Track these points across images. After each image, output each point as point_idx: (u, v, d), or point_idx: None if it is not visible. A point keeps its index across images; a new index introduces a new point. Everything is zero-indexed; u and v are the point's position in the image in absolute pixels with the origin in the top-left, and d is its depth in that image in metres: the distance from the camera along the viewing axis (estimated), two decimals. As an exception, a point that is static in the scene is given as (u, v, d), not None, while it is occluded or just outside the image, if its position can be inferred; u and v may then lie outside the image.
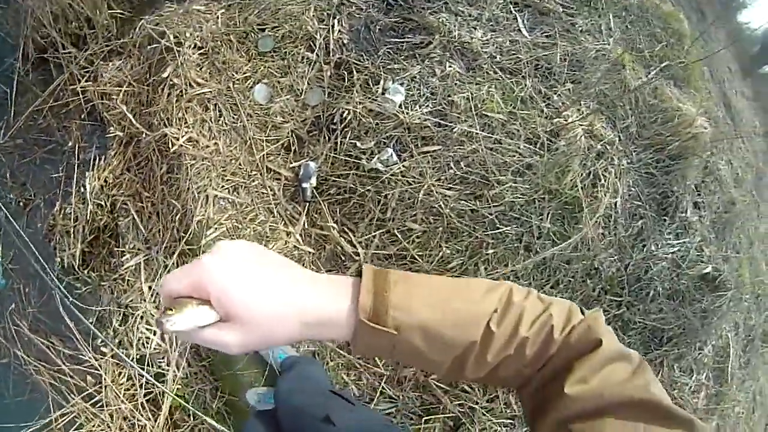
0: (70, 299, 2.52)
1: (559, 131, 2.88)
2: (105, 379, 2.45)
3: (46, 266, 2.67)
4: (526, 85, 2.87)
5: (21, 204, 3.14)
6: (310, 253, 2.51)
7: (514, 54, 2.92)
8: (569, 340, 0.56)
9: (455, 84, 2.67)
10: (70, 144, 3.21)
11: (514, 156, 2.69)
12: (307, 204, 2.54)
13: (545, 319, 0.56)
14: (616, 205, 2.97)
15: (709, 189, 3.56)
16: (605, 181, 2.91)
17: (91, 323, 2.59)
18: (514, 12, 3.09)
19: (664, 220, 3.16)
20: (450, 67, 2.70)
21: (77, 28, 3.31)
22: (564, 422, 0.53)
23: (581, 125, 2.94)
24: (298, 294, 0.55)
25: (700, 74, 4.30)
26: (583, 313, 0.60)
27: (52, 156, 3.24)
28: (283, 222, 2.53)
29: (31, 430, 2.29)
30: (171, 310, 0.54)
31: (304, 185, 2.52)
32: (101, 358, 2.52)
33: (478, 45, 2.81)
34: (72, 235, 2.88)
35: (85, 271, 2.88)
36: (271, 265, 0.57)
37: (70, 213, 2.92)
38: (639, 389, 0.52)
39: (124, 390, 2.47)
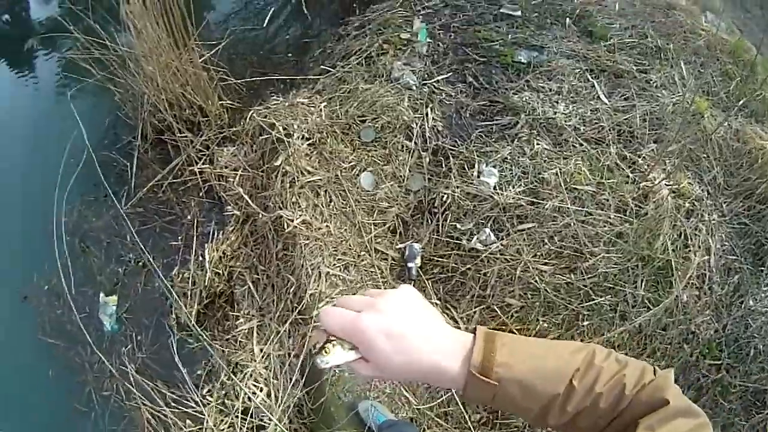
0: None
1: (646, 195, 2.96)
2: (207, 420, 2.65)
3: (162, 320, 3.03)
4: (610, 153, 2.98)
5: (140, 264, 3.42)
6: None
7: (596, 123, 3.04)
8: (639, 397, 0.65)
9: (544, 161, 2.82)
10: (188, 217, 3.52)
11: (605, 226, 2.79)
12: (413, 282, 2.74)
13: (619, 377, 0.66)
14: (709, 263, 2.98)
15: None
16: (696, 240, 2.94)
17: (200, 374, 2.89)
18: (591, 80, 3.22)
19: (761, 271, 3.10)
20: (538, 144, 2.85)
21: (191, 114, 3.67)
22: None
23: (667, 185, 3.00)
24: (427, 351, 0.67)
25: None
26: (655, 372, 0.69)
27: (171, 226, 3.53)
28: (389, 299, 2.74)
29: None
30: (326, 352, 0.66)
31: (410, 265, 2.73)
32: (207, 405, 2.71)
33: (561, 119, 2.95)
34: (189, 297, 3.15)
35: (198, 331, 3.09)
36: (414, 322, 0.69)
37: (188, 278, 3.18)
38: None
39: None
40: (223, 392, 2.76)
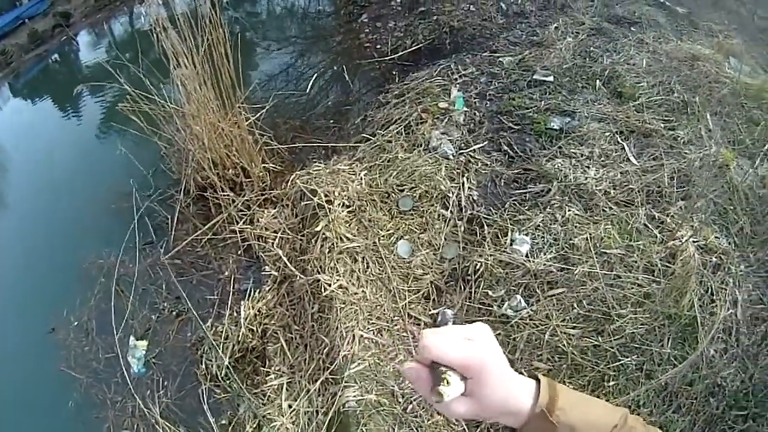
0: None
1: (674, 254, 3.08)
2: None
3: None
4: (639, 215, 3.12)
5: (173, 313, 3.56)
6: (411, 359, 2.88)
7: (626, 185, 3.19)
8: None
9: (575, 227, 2.99)
10: (226, 273, 3.67)
11: (633, 288, 2.93)
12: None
13: None
14: (736, 315, 3.07)
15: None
16: (723, 294, 3.03)
17: (224, 424, 2.99)
18: (621, 142, 3.37)
19: None
20: (569, 211, 3.03)
21: (234, 175, 3.87)
22: None
23: (695, 242, 3.11)
24: (514, 389, 0.74)
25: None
26: None
27: (207, 280, 3.69)
28: (421, 364, 2.93)
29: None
30: (447, 382, 0.61)
31: (441, 330, 2.92)
32: None
33: (592, 184, 3.12)
34: (220, 349, 3.25)
35: (226, 383, 3.16)
36: (504, 358, 0.71)
37: (222, 331, 3.30)
38: None
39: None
40: None
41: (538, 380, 0.74)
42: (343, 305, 3.00)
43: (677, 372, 2.77)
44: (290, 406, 2.91)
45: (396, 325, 2.98)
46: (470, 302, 2.92)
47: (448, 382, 0.62)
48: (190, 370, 3.26)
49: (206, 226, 3.79)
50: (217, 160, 3.81)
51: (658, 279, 2.96)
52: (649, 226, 3.12)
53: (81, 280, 3.73)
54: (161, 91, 3.62)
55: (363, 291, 3.06)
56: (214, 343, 3.21)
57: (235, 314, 3.33)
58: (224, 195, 3.79)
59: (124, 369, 3.29)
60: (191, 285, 3.66)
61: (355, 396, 2.64)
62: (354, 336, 2.89)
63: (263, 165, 3.84)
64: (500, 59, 4.01)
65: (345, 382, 2.73)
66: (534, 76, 3.77)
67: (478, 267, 2.95)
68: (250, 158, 3.81)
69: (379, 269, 3.11)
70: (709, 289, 3.02)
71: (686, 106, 3.69)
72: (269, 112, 3.94)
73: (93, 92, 5.42)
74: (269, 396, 3.01)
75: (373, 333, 2.94)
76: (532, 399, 0.73)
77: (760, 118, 3.92)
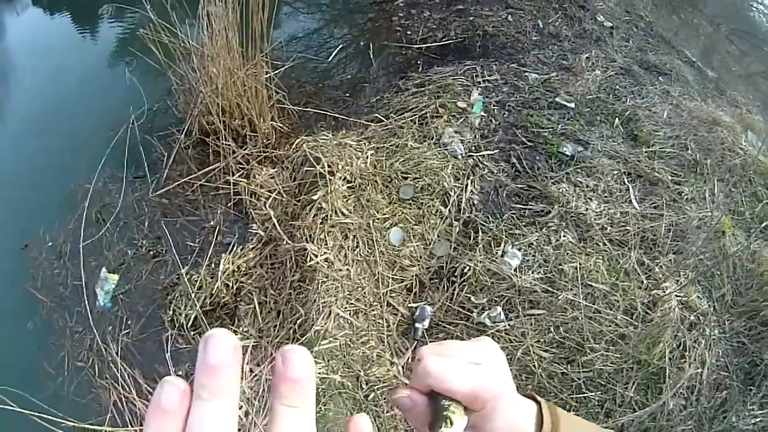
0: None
1: (655, 302, 3.10)
2: None
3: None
4: (630, 257, 3.13)
5: (151, 253, 3.43)
6: (406, 385, 2.86)
7: (623, 226, 3.19)
8: None
9: (567, 253, 2.98)
10: (212, 223, 3.54)
11: (611, 326, 2.94)
12: (416, 342, 2.89)
13: None
14: (701, 375, 3.11)
15: (803, 356, 3.58)
16: (693, 352, 3.07)
17: (181, 375, 2.93)
18: (627, 183, 3.37)
19: (750, 389, 3.19)
20: (564, 237, 3.01)
21: (240, 126, 3.75)
22: None
23: (677, 296, 3.14)
24: (518, 416, 0.67)
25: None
26: None
27: (192, 226, 3.56)
28: (390, 353, 2.89)
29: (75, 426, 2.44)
30: (450, 422, 0.52)
31: (417, 325, 2.88)
32: None
33: (591, 216, 3.11)
34: (191, 299, 3.14)
35: (191, 333, 3.09)
36: (512, 384, 0.66)
37: (196, 281, 3.19)
38: None
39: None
40: None
41: (536, 402, 0.67)
42: (325, 279, 2.94)
43: (636, 417, 2.78)
44: (251, 371, 2.82)
45: (374, 310, 2.94)
46: (451, 303, 2.88)
47: (450, 422, 0.52)
48: (156, 314, 3.14)
49: (201, 172, 3.68)
50: (226, 107, 3.69)
51: (635, 323, 2.98)
52: (638, 270, 3.13)
53: (64, 201, 3.57)
54: (185, 26, 3.50)
55: (348, 269, 3.00)
56: (190, 290, 3.10)
57: (213, 266, 3.22)
58: (226, 144, 3.68)
59: (89, 300, 3.16)
60: (174, 228, 3.53)
61: (320, 373, 2.59)
62: (330, 312, 2.83)
63: (271, 122, 3.73)
64: (526, 74, 3.99)
65: (313, 356, 2.68)
66: (556, 99, 3.76)
67: (465, 270, 2.91)
68: (259, 112, 3.70)
69: (368, 251, 3.05)
70: (682, 345, 3.06)
71: (696, 166, 3.72)
72: (286, 71, 3.82)
73: (117, 14, 5.27)
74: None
75: (350, 313, 2.90)
76: (535, 425, 0.66)
77: (763, 196, 3.98)
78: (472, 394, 0.54)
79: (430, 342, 2.89)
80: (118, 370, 2.84)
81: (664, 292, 3.09)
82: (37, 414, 2.22)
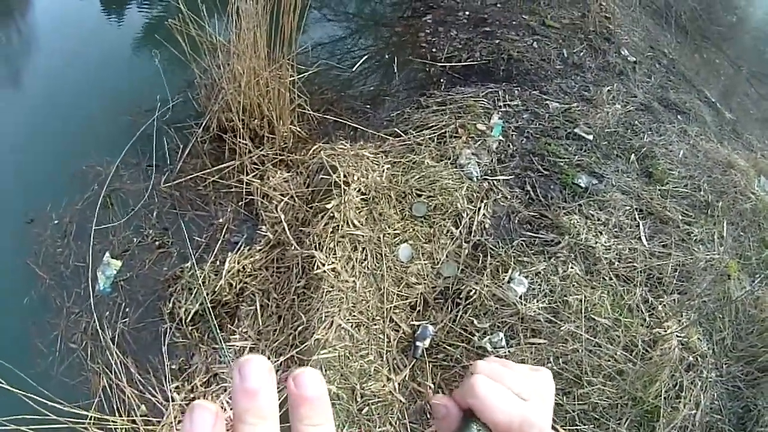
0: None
1: (656, 341, 3.11)
2: (169, 416, 2.63)
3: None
4: (635, 294, 3.14)
5: (156, 243, 3.43)
6: (401, 402, 2.83)
7: (630, 262, 3.21)
8: None
9: (573, 285, 2.99)
10: (221, 221, 3.55)
11: (610, 361, 2.95)
12: (415, 360, 2.91)
13: None
14: (695, 417, 3.11)
15: (797, 403, 3.57)
16: (689, 393, 3.07)
17: (174, 369, 2.88)
18: (637, 219, 3.39)
19: None
20: (572, 268, 3.02)
21: (259, 126, 3.76)
22: None
23: (678, 336, 3.15)
24: None
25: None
26: None
27: (200, 221, 3.56)
28: (388, 368, 2.89)
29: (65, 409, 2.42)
30: None
31: (418, 343, 2.89)
32: (173, 401, 2.69)
33: (600, 250, 3.13)
34: (192, 294, 3.13)
35: (189, 328, 3.05)
36: (550, 422, 0.61)
37: (200, 276, 3.16)
38: None
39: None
40: (192, 396, 2.76)
41: None
42: (330, 289, 2.95)
43: (628, 454, 2.78)
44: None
45: (376, 324, 2.95)
46: (453, 324, 2.90)
47: None
48: (155, 305, 3.14)
49: (215, 168, 3.69)
50: (246, 106, 3.69)
51: (634, 360, 2.99)
52: (641, 307, 3.14)
53: (74, 180, 3.58)
54: (213, 20, 3.51)
55: (354, 281, 3.01)
56: (200, 283, 3.09)
57: (218, 263, 3.22)
58: (243, 143, 3.69)
59: (89, 283, 3.16)
60: (182, 221, 3.52)
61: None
62: (332, 322, 2.84)
63: (290, 126, 3.75)
64: (547, 102, 4.02)
65: (310, 365, 2.65)
66: (575, 129, 3.78)
67: (471, 293, 2.92)
68: (279, 115, 3.72)
69: (376, 265, 3.06)
70: (678, 385, 3.07)
71: (708, 207, 3.73)
72: (309, 77, 3.87)
73: (146, 1, 5.30)
74: (228, 356, 2.93)
75: (352, 325, 2.90)
76: None
77: (772, 242, 3.99)
78: (509, 427, 0.51)
79: (429, 361, 2.92)
80: (111, 357, 2.84)
81: (666, 331, 3.10)
82: (24, 393, 2.22)
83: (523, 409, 0.52)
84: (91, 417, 2.52)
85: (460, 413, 0.54)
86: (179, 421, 2.62)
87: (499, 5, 4.89)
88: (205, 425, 0.35)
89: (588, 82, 4.31)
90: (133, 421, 2.65)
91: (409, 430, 2.70)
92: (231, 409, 0.38)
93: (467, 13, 4.80)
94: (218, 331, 2.98)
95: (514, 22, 4.69)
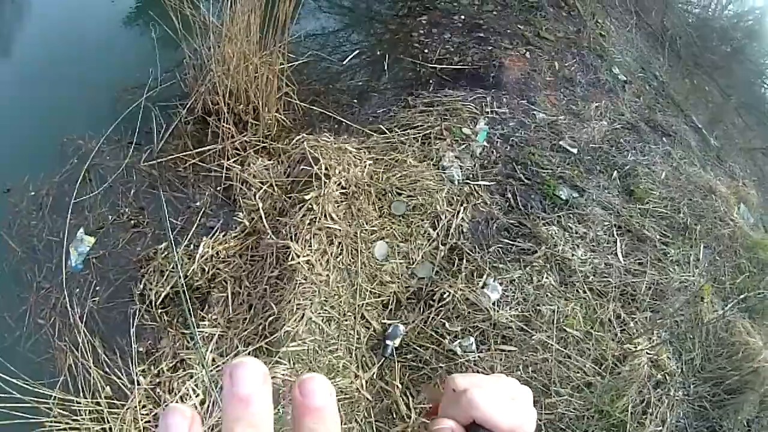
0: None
1: (626, 356, 3.12)
2: (134, 399, 2.58)
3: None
4: (608, 308, 3.14)
5: (131, 222, 3.36)
6: (367, 399, 2.80)
7: (605, 277, 3.21)
8: None
9: (546, 295, 2.99)
10: (198, 204, 3.49)
11: (579, 372, 2.94)
12: (384, 359, 2.88)
13: None
14: None
15: (761, 425, 3.51)
16: (656, 410, 3.08)
17: (141, 351, 2.82)
18: (615, 235, 3.40)
19: None
20: (547, 278, 3.02)
21: (243, 111, 3.70)
22: None
23: (648, 354, 3.16)
24: None
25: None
26: None
27: (177, 203, 3.50)
28: (357, 365, 2.86)
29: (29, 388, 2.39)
30: None
31: (388, 342, 2.86)
32: (138, 384, 2.66)
33: (576, 263, 3.13)
34: (164, 277, 3.08)
35: (158, 311, 3.02)
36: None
37: (173, 258, 3.12)
38: None
39: (143, 421, 2.56)
40: (158, 381, 2.72)
41: None
42: (303, 281, 2.90)
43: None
44: (214, 360, 2.77)
45: (347, 320, 2.92)
46: (425, 326, 2.87)
47: None
48: (126, 285, 3.07)
49: (196, 150, 3.63)
50: (233, 90, 3.64)
51: (603, 373, 3.00)
52: (614, 322, 3.16)
53: (54, 153, 3.50)
54: (208, 1, 3.46)
55: (328, 275, 2.96)
56: (177, 264, 3.04)
57: (192, 247, 3.17)
58: (226, 127, 3.62)
59: (62, 258, 3.10)
60: (159, 201, 3.46)
61: (283, 375, 2.55)
62: (303, 315, 2.79)
63: (275, 114, 3.71)
64: (534, 112, 4.02)
65: (278, 357, 2.63)
66: (560, 142, 3.80)
67: (444, 296, 2.90)
68: (265, 101, 3.67)
69: (351, 260, 3.03)
70: (645, 401, 3.09)
71: (686, 230, 3.76)
72: (298, 67, 3.83)
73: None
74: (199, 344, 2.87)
75: (323, 320, 2.86)
76: None
77: (746, 269, 4.04)
78: (512, 428, 0.51)
79: (398, 360, 2.89)
80: (78, 335, 2.79)
81: (636, 347, 3.12)
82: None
83: (520, 411, 0.53)
84: (55, 397, 2.49)
85: (464, 430, 0.53)
86: (143, 406, 2.59)
87: (495, 13, 4.89)
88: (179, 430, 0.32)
89: (577, 97, 4.33)
90: (98, 403, 2.60)
91: (374, 428, 2.67)
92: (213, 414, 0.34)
93: (463, 17, 4.79)
94: (192, 314, 2.92)
95: (508, 31, 4.69)
